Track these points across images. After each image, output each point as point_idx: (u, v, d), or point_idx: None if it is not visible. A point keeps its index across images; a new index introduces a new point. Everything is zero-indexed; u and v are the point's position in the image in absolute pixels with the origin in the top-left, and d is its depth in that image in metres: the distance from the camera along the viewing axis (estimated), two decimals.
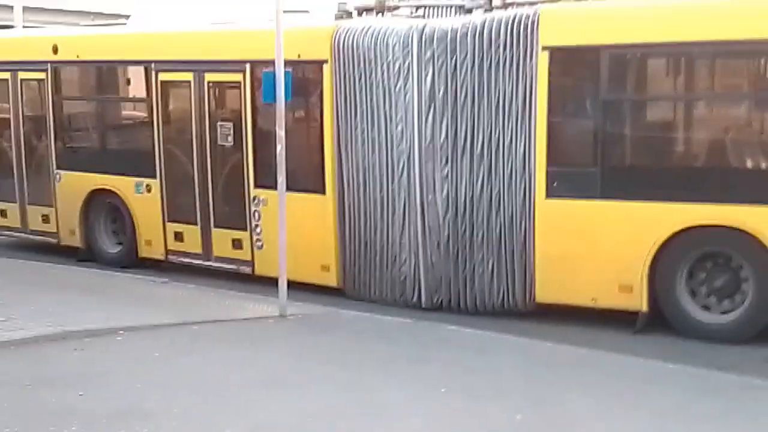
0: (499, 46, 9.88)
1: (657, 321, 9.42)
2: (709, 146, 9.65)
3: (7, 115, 13.89)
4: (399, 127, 10.43)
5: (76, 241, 13.36)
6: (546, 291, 9.79)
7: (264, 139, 11.15)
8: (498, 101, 9.94)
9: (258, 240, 11.52)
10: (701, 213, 9.01)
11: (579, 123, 10.03)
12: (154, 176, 12.37)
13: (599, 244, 9.46)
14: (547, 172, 9.64)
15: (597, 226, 9.50)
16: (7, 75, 13.75)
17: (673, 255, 9.22)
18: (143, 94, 12.60)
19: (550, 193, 9.65)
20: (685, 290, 9.28)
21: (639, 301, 9.34)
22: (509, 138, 9.92)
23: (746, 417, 7.03)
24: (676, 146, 9.82)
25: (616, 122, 9.69)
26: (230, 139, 11.72)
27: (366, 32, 10.58)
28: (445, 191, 10.25)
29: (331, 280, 11.05)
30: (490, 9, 10.63)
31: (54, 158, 13.34)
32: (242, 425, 6.55)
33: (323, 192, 10.94)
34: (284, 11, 9.84)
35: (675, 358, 8.44)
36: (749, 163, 9.57)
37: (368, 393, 7.38)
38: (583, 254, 9.52)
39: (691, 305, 9.28)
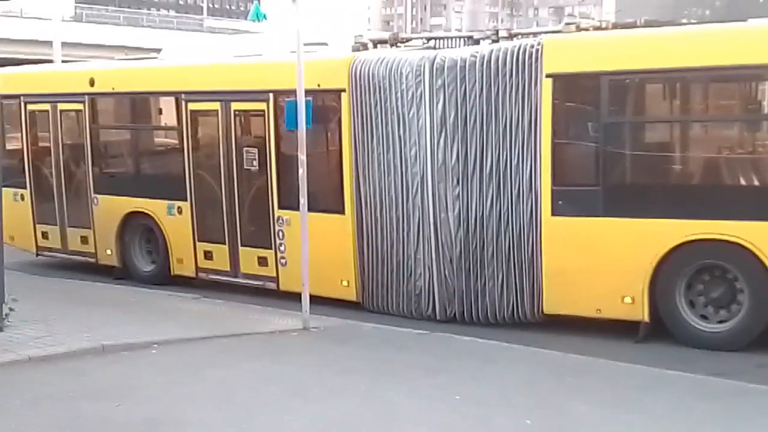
0: (505, 74, 9.94)
1: (658, 330, 9.41)
2: (705, 165, 9.66)
3: (48, 144, 14.02)
4: (413, 151, 10.49)
5: (112, 260, 13.45)
6: (553, 303, 9.80)
7: (287, 163, 11.22)
8: (505, 125, 9.99)
9: (282, 257, 11.58)
10: (698, 228, 9.02)
11: (582, 145, 10.06)
12: (184, 199, 12.46)
13: (603, 259, 9.47)
14: (553, 191, 9.67)
15: (600, 241, 9.52)
16: (47, 106, 13.89)
17: (673, 268, 9.22)
18: (174, 122, 12.71)
19: (556, 211, 9.67)
20: (684, 301, 9.28)
21: (640, 311, 9.34)
22: (516, 159, 9.96)
23: (741, 420, 7.04)
24: (673, 165, 9.83)
25: (616, 144, 9.70)
26: (255, 163, 11.80)
27: (381, 62, 10.66)
28: (456, 210, 10.30)
29: (350, 294, 11.10)
30: (497, 40, 10.70)
31: (91, 183, 13.45)
32: None
33: (342, 212, 10.99)
34: (304, 44, 9.93)
35: (674, 365, 8.45)
36: (743, 181, 9.59)
37: (385, 402, 7.41)
38: (587, 268, 9.54)
39: (690, 315, 9.28)
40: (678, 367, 8.36)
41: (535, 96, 9.76)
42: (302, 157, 9.90)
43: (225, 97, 11.96)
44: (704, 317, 9.29)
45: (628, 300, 9.35)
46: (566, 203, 9.64)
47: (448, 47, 11.01)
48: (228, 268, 12.20)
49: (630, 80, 9.70)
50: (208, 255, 12.36)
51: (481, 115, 10.09)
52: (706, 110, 9.73)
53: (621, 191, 9.65)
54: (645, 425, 6.78)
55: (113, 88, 13.25)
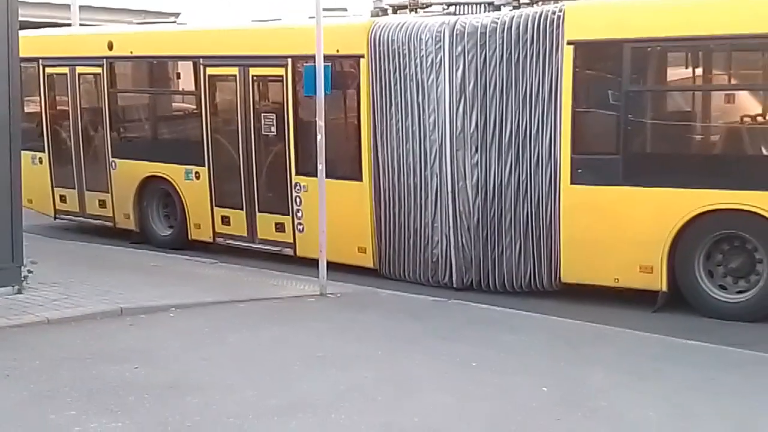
0: (526, 41, 9.84)
1: (675, 300, 9.37)
2: (726, 135, 9.58)
3: (66, 108, 14.03)
4: (431, 118, 10.42)
5: (130, 224, 13.49)
6: (570, 271, 9.77)
7: (305, 130, 11.18)
8: (525, 93, 9.92)
9: (299, 224, 11.58)
10: (718, 198, 8.94)
11: (602, 113, 9.97)
12: (202, 164, 12.45)
13: (621, 228, 9.42)
14: (572, 160, 9.60)
15: (619, 210, 9.45)
16: (65, 70, 13.87)
17: (692, 237, 9.16)
18: (192, 87, 12.68)
19: (575, 180, 9.61)
20: (702, 271, 9.23)
21: (659, 281, 9.30)
22: (536, 127, 9.89)
23: (760, 390, 6.99)
24: (694, 135, 9.75)
25: (637, 112, 9.62)
26: (273, 129, 11.77)
27: (400, 28, 10.57)
28: (474, 178, 10.25)
29: (367, 261, 11.09)
30: (518, 6, 10.57)
31: (110, 147, 13.45)
32: (284, 397, 6.60)
33: (360, 179, 10.96)
34: (324, 9, 9.86)
35: (692, 335, 8.42)
36: (764, 151, 9.49)
37: (402, 368, 7.41)
38: (606, 237, 9.49)
39: (709, 285, 9.23)
40: (696, 337, 8.33)
41: (556, 63, 9.67)
42: (320, 123, 9.86)
43: (243, 61, 11.90)
44: (723, 287, 9.25)
45: (646, 269, 9.29)
46: (585, 172, 9.57)
47: (468, 13, 10.90)
48: (245, 234, 12.21)
49: (652, 48, 9.59)
50: (225, 220, 12.37)
51: (501, 83, 10.01)
52: (729, 79, 9.63)
53: (641, 160, 9.58)
54: (663, 395, 6.75)
55: (131, 52, 13.22)
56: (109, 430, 5.95)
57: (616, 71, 9.59)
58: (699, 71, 9.81)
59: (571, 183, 9.62)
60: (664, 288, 9.30)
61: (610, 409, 6.44)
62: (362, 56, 10.77)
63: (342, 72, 10.96)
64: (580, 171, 9.59)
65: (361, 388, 6.83)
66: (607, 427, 6.12)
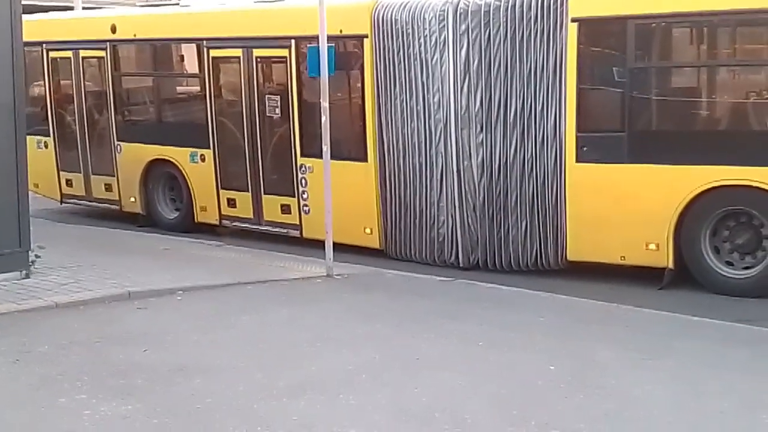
0: (530, 19, 9.81)
1: (682, 277, 9.38)
2: (730, 111, 9.56)
3: (70, 91, 14.02)
4: (436, 97, 10.41)
5: (136, 207, 13.51)
6: (577, 250, 9.78)
7: (309, 111, 11.17)
8: (530, 71, 9.89)
9: (305, 205, 11.59)
10: (724, 174, 8.93)
11: (607, 91, 9.94)
12: (207, 147, 12.46)
13: (627, 205, 9.41)
14: (577, 138, 9.59)
15: (625, 188, 9.45)
16: (69, 54, 13.87)
17: (698, 214, 9.16)
18: (196, 69, 12.67)
19: (580, 158, 9.60)
20: (709, 247, 9.23)
21: (665, 258, 9.30)
22: (541, 106, 9.88)
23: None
24: (699, 111, 9.73)
25: (642, 89, 9.59)
26: (278, 111, 11.77)
27: (404, 7, 10.54)
28: (480, 157, 10.24)
29: (373, 242, 11.11)
30: None
31: (115, 131, 13.47)
32: (292, 378, 6.63)
33: (365, 159, 10.96)
34: None
35: (699, 312, 8.43)
36: None
37: (409, 347, 7.43)
38: (611, 215, 9.49)
39: (715, 262, 9.23)
40: (703, 314, 8.35)
41: (560, 41, 9.64)
42: (325, 104, 9.85)
43: (247, 43, 11.89)
44: (729, 264, 9.25)
45: (652, 247, 9.30)
46: (591, 149, 9.56)
47: None
48: (251, 216, 12.23)
49: (657, 24, 9.56)
50: (231, 203, 12.39)
51: (506, 61, 9.99)
52: (734, 55, 9.59)
53: (646, 137, 9.56)
54: (670, 371, 6.77)
55: (135, 35, 13.20)
56: (118, 413, 5.99)
57: (621, 48, 9.56)
58: (704, 47, 9.76)
59: (577, 161, 9.61)
60: (671, 265, 9.30)
61: (618, 387, 6.47)
62: (366, 36, 10.75)
63: (346, 52, 10.94)
64: (585, 149, 9.58)
65: (369, 369, 6.86)
66: (614, 404, 6.14)
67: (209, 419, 5.89)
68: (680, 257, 9.31)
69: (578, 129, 9.57)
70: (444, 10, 10.20)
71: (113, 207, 13.80)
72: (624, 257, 9.50)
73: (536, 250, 10.10)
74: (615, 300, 8.84)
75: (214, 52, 12.24)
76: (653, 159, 9.27)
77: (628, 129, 9.45)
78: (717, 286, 9.17)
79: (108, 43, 13.30)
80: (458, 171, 10.36)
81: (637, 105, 9.53)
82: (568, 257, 9.88)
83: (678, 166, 9.14)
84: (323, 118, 9.88)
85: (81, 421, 5.88)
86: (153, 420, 5.89)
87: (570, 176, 9.68)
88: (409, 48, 10.51)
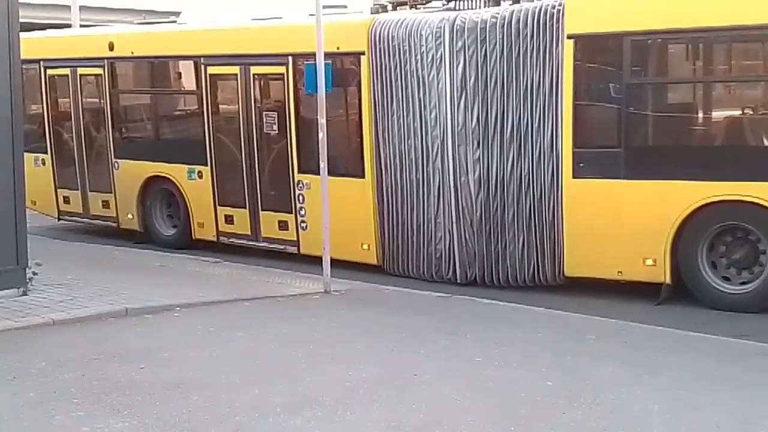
0: (526, 36, 9.86)
1: (679, 293, 9.39)
2: (727, 127, 9.58)
3: (68, 109, 14.06)
4: (433, 114, 10.45)
5: (134, 224, 13.52)
6: (574, 265, 9.79)
7: (306, 127, 11.21)
8: (526, 87, 9.94)
9: (303, 221, 11.60)
10: (720, 189, 8.96)
11: (603, 106, 9.98)
12: (205, 163, 12.48)
13: (624, 221, 9.44)
14: (574, 153, 9.62)
15: (622, 203, 9.48)
16: (67, 71, 13.90)
17: (695, 229, 9.18)
18: (193, 86, 12.71)
19: (577, 173, 9.63)
20: (706, 263, 9.25)
21: (662, 273, 9.32)
22: (537, 122, 9.91)
23: (764, 381, 7.02)
24: (696, 127, 9.76)
25: (638, 105, 9.63)
26: (275, 127, 11.81)
27: (400, 24, 10.59)
28: (477, 173, 10.27)
29: (371, 257, 11.12)
30: (518, 0, 10.59)
31: (112, 148, 13.49)
32: (290, 394, 6.62)
33: (363, 176, 10.99)
34: (323, 6, 9.88)
35: (697, 327, 8.44)
36: (766, 142, 9.50)
37: (407, 363, 7.43)
38: (608, 230, 9.51)
39: (712, 277, 9.25)
40: (700, 329, 8.36)
41: (557, 57, 9.69)
42: (322, 120, 9.88)
43: (244, 60, 11.94)
44: (726, 279, 9.27)
45: (649, 262, 9.32)
46: (587, 165, 9.59)
47: (468, 8, 10.91)
48: (249, 232, 12.25)
49: (653, 40, 9.60)
50: (228, 219, 12.40)
51: (502, 77, 10.04)
52: (729, 71, 9.63)
53: (642, 153, 9.59)
54: (668, 386, 6.77)
55: (132, 53, 13.26)
56: (116, 430, 5.98)
57: (617, 64, 9.60)
58: (699, 63, 9.81)
59: (573, 177, 9.64)
60: (668, 280, 9.32)
61: (616, 402, 6.47)
62: (363, 53, 10.80)
63: (343, 69, 10.98)
64: (581, 165, 9.60)
65: (366, 385, 6.86)
66: (612, 420, 6.14)
67: None
68: (677, 272, 9.32)
69: (575, 145, 9.60)
70: (441, 27, 10.26)
71: (110, 224, 13.81)
72: (621, 272, 9.52)
73: (533, 266, 10.12)
74: (612, 315, 8.86)
75: (211, 69, 12.28)
76: (650, 174, 9.30)
77: (624, 145, 9.48)
78: (714, 301, 9.19)
79: (106, 60, 13.33)
80: (455, 187, 10.38)
81: (633, 121, 9.57)
82: (565, 272, 9.89)
83: (674, 181, 9.17)
84: (320, 135, 9.91)
85: None
86: None
87: (567, 192, 9.70)
88: (406, 65, 10.55)
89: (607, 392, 6.67)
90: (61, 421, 6.15)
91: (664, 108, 9.84)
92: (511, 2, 10.63)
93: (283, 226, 11.85)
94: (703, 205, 9.05)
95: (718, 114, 9.68)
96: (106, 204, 13.75)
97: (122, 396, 6.58)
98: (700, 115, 9.74)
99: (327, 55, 9.91)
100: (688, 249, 9.23)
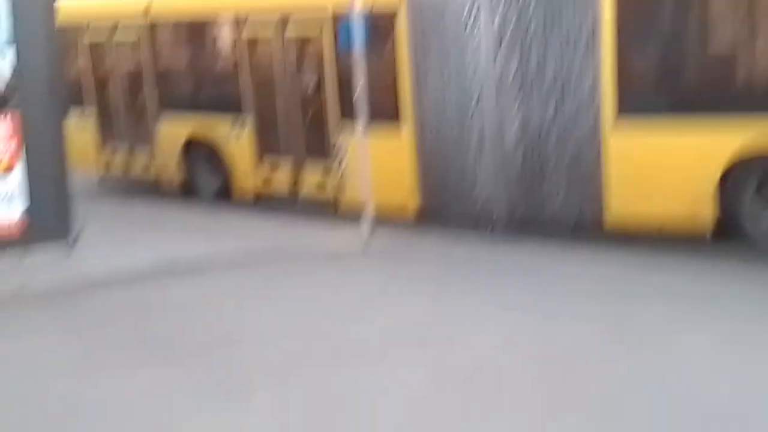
0: None
1: (723, 247, 9.20)
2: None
3: (109, 71, 14.14)
4: (471, 65, 10.34)
5: (176, 181, 13.63)
6: (615, 216, 9.69)
7: (344, 85, 11.15)
8: (566, 34, 9.78)
9: (343, 175, 11.60)
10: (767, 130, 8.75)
11: (646, 53, 9.80)
12: (245, 118, 12.52)
13: (667, 169, 9.29)
14: (616, 100, 9.47)
15: (665, 151, 9.33)
16: (107, 34, 13.96)
17: (742, 172, 8.98)
18: (231, 46, 12.72)
19: (619, 120, 9.49)
20: (756, 202, 9.03)
21: (707, 223, 9.17)
22: (578, 69, 9.76)
23: None
24: (742, 67, 9.50)
25: (679, 50, 9.43)
26: (313, 85, 11.79)
27: None
28: (517, 122, 10.17)
29: (411, 209, 11.10)
30: None
31: (154, 106, 13.57)
32: (334, 347, 6.67)
33: (403, 130, 10.94)
34: None
35: (743, 276, 8.27)
36: None
37: (449, 313, 7.46)
38: (651, 179, 9.37)
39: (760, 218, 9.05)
40: (754, 266, 8.20)
41: (597, 3, 9.51)
42: (360, 77, 9.82)
43: (281, 20, 11.89)
44: None
45: (695, 210, 9.17)
46: (631, 108, 9.42)
47: None
48: (290, 187, 12.27)
49: None
50: (270, 173, 12.44)
51: (541, 25, 9.88)
52: None
53: (686, 101, 9.40)
54: (714, 331, 6.69)
55: (170, 15, 13.25)
56: (160, 381, 6.06)
57: (659, 7, 9.39)
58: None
59: (616, 121, 9.49)
60: (715, 224, 9.14)
61: (664, 343, 6.42)
62: (399, 7, 10.69)
63: (379, 24, 10.88)
64: (624, 111, 9.46)
65: (409, 332, 6.89)
66: (660, 361, 6.09)
67: (251, 386, 5.95)
68: (725, 216, 9.13)
69: (617, 91, 9.43)
70: None
71: (154, 180, 13.91)
72: (664, 222, 9.37)
73: (575, 215, 10.02)
74: (655, 266, 8.72)
75: (248, 29, 12.27)
76: (696, 114, 9.08)
77: (667, 92, 9.29)
78: (764, 242, 9.00)
79: (145, 22, 13.38)
80: (495, 137, 10.30)
81: (675, 67, 9.35)
82: (608, 221, 9.79)
83: (720, 126, 8.96)
84: (359, 90, 9.85)
85: (124, 389, 5.96)
86: (194, 387, 5.95)
87: (608, 140, 9.56)
88: (443, 16, 10.43)
89: (652, 340, 6.62)
90: (105, 373, 6.26)
91: (708, 52, 9.60)
92: None
93: (322, 182, 11.85)
94: (750, 146, 8.84)
95: (761, 51, 9.37)
96: (149, 161, 13.86)
97: (167, 349, 6.67)
98: (746, 54, 9.43)
99: (363, 11, 9.82)
100: (736, 189, 9.00)
